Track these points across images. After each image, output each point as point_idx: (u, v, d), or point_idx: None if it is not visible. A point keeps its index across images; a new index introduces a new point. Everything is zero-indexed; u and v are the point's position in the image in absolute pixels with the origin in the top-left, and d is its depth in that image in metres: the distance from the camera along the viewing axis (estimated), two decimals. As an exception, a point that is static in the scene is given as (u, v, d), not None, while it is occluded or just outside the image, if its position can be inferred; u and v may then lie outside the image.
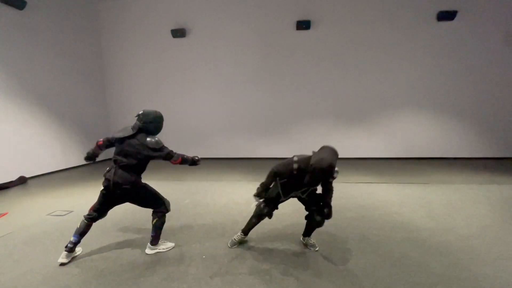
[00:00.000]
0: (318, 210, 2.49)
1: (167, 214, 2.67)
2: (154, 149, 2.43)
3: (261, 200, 2.56)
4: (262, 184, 2.53)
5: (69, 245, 2.45)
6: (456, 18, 6.57)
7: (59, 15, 6.74)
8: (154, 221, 2.56)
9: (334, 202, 3.88)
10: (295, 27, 7.23)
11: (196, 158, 2.70)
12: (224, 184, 5.09)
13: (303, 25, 7.09)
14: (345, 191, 4.37)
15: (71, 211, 3.80)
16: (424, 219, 3.25)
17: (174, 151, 2.56)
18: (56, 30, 6.66)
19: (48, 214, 3.71)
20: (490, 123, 6.92)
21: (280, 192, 2.50)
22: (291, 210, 3.63)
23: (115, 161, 2.45)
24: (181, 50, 7.82)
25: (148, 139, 2.44)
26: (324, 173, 2.16)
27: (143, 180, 2.59)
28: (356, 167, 6.37)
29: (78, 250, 2.63)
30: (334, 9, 7.06)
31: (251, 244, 2.72)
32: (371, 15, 6.95)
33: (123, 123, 8.46)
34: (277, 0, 7.25)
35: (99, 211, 2.52)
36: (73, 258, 2.52)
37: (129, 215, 3.60)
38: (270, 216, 2.61)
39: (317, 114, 7.51)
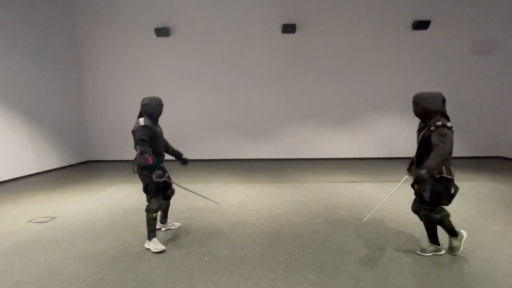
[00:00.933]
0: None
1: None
2: (133, 129, 2.62)
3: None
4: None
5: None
6: (429, 28, 7.08)
7: (30, 8, 6.30)
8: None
9: (327, 201, 4.04)
10: (281, 30, 7.37)
11: (156, 173, 2.57)
12: (214, 186, 5.06)
13: (288, 28, 7.25)
14: (335, 191, 4.54)
15: (54, 218, 3.58)
16: (410, 214, 3.41)
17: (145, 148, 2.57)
18: (27, 24, 6.23)
19: (29, 221, 3.47)
20: (460, 125, 7.50)
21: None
22: (286, 210, 3.71)
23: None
24: (165, 49, 7.65)
25: (138, 119, 2.64)
26: (415, 102, 2.37)
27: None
28: (342, 167, 6.61)
29: (177, 224, 3.22)
30: (319, 15, 7.30)
31: (251, 245, 2.75)
32: (352, 22, 7.28)
33: (102, 125, 8.15)
34: (263, 2, 7.35)
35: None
36: (169, 230, 3.11)
37: (119, 219, 3.48)
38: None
39: (303, 116, 7.70)
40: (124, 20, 7.57)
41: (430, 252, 2.49)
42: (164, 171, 2.78)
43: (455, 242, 2.45)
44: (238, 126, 7.81)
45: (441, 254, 2.48)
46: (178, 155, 3.17)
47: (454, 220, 3.28)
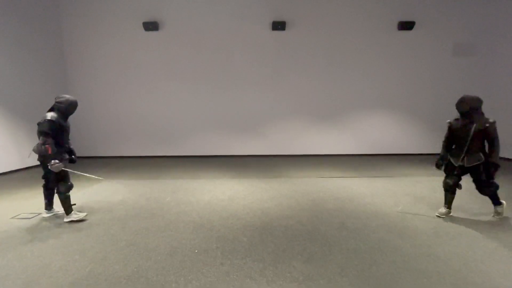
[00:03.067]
0: (479, 184, 3.07)
1: (151, 212, 3.37)
2: (39, 122, 2.94)
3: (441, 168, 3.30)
4: (439, 157, 3.31)
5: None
6: (414, 28, 7.31)
7: (13, 1, 6.05)
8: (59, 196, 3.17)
9: (315, 195, 4.16)
10: (271, 28, 7.41)
11: (53, 162, 2.91)
12: (203, 182, 5.07)
13: (278, 25, 7.30)
14: (322, 185, 4.67)
15: (39, 214, 3.51)
16: (393, 208, 3.63)
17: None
18: (9, 17, 5.98)
19: (13, 218, 3.39)
20: (443, 124, 7.76)
21: (451, 159, 3.18)
22: (274, 204, 3.80)
23: None
24: (153, 44, 7.53)
25: (47, 113, 3.01)
26: (461, 101, 3.01)
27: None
28: (329, 163, 6.77)
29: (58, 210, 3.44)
30: (308, 13, 7.39)
31: (241, 237, 2.81)
32: (341, 20, 7.41)
33: (87, 121, 7.95)
34: (253, -1, 7.36)
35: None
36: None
37: (107, 215, 3.45)
38: (457, 186, 3.17)
39: (291, 113, 7.80)
40: (111, 13, 7.39)
41: (502, 212, 3.17)
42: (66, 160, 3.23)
43: (499, 209, 3.17)
44: (227, 122, 7.82)
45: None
46: (71, 153, 3.44)
47: (433, 211, 3.47)
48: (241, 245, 2.62)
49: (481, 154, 2.97)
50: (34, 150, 2.99)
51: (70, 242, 2.71)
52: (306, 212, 3.49)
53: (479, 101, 2.97)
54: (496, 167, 2.89)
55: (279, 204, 3.80)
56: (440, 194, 4.14)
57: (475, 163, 2.97)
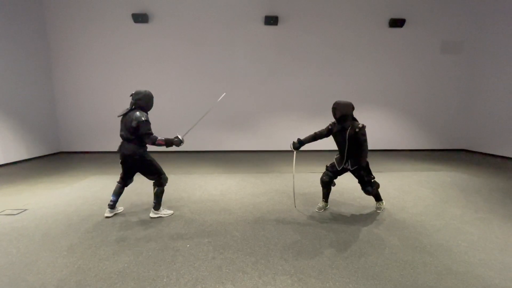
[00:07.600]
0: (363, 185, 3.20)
1: (141, 207, 3.29)
2: (136, 123, 2.82)
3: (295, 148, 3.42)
4: (298, 140, 3.42)
5: (110, 203, 3.16)
6: (404, 26, 7.42)
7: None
8: (154, 190, 3.10)
9: (306, 190, 4.20)
10: (263, 22, 7.36)
11: (177, 140, 2.98)
12: (195, 177, 5.04)
13: (271, 20, 7.26)
14: (313, 180, 4.72)
15: (25, 210, 3.41)
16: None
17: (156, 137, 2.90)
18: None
19: (-3, 214, 3.28)
20: (429, 120, 8.03)
21: (335, 163, 3.26)
22: (266, 199, 3.82)
23: (121, 136, 2.98)
24: (143, 37, 7.37)
25: (137, 113, 2.85)
26: (334, 108, 3.02)
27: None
28: (321, 158, 6.84)
29: (120, 208, 3.34)
30: (301, 8, 7.37)
31: (233, 231, 2.82)
32: (333, 16, 7.44)
33: (74, 115, 7.73)
34: (245, -7, 7.28)
35: (123, 178, 3.15)
36: (116, 215, 3.21)
37: (96, 210, 3.39)
38: (331, 184, 3.33)
39: (283, 108, 7.82)
40: (98, 4, 7.16)
41: (382, 208, 3.39)
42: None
43: (380, 204, 3.41)
44: (218, 117, 7.77)
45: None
46: None
47: (420, 205, 3.58)
48: (233, 239, 2.63)
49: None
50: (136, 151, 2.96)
51: (59, 239, 2.65)
52: (297, 206, 3.53)
53: (350, 108, 3.02)
54: (363, 169, 3.07)
55: (271, 199, 3.83)
56: (427, 188, 4.29)
57: (356, 166, 3.09)
